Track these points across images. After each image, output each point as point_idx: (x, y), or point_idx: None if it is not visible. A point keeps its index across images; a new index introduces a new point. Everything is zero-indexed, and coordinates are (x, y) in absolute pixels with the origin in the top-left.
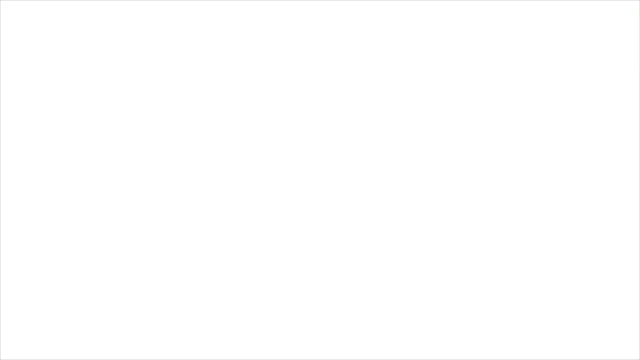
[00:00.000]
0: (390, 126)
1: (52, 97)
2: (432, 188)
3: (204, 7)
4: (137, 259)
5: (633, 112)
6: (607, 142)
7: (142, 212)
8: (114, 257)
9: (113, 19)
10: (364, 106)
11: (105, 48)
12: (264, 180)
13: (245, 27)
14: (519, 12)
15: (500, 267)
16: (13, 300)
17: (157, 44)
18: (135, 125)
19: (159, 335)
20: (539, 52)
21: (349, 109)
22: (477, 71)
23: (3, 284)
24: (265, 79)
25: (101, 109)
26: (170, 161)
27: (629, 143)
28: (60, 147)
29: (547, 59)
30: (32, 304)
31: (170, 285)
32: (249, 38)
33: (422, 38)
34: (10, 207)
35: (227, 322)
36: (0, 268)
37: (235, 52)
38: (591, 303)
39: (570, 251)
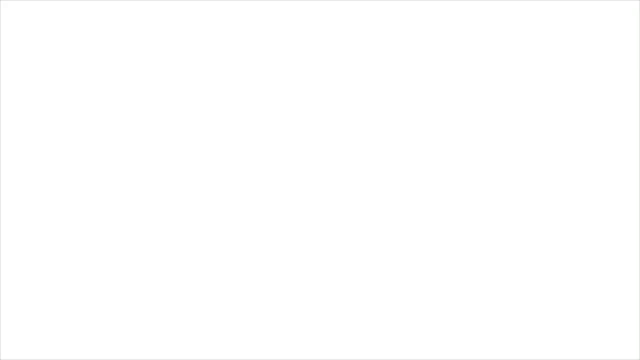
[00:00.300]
0: (390, 126)
1: (52, 97)
2: (432, 187)
3: (204, 7)
4: (137, 258)
5: (633, 112)
6: (607, 142)
7: (142, 211)
8: (114, 257)
9: (113, 19)
10: (363, 106)
11: (105, 48)
12: (264, 180)
13: (245, 27)
14: (519, 12)
15: (500, 267)
16: (13, 300)
17: (157, 44)
18: (134, 125)
19: (159, 335)
20: (539, 52)
21: (349, 109)
22: (477, 71)
23: (3, 284)
24: (265, 79)
25: (101, 108)
26: (170, 161)
27: (629, 143)
28: (60, 147)
29: (547, 59)
30: (32, 304)
31: (170, 286)
32: (249, 38)
33: (422, 38)
34: (10, 207)
35: (227, 322)
36: (0, 268)
37: (236, 52)
38: (591, 303)
39: (570, 251)
